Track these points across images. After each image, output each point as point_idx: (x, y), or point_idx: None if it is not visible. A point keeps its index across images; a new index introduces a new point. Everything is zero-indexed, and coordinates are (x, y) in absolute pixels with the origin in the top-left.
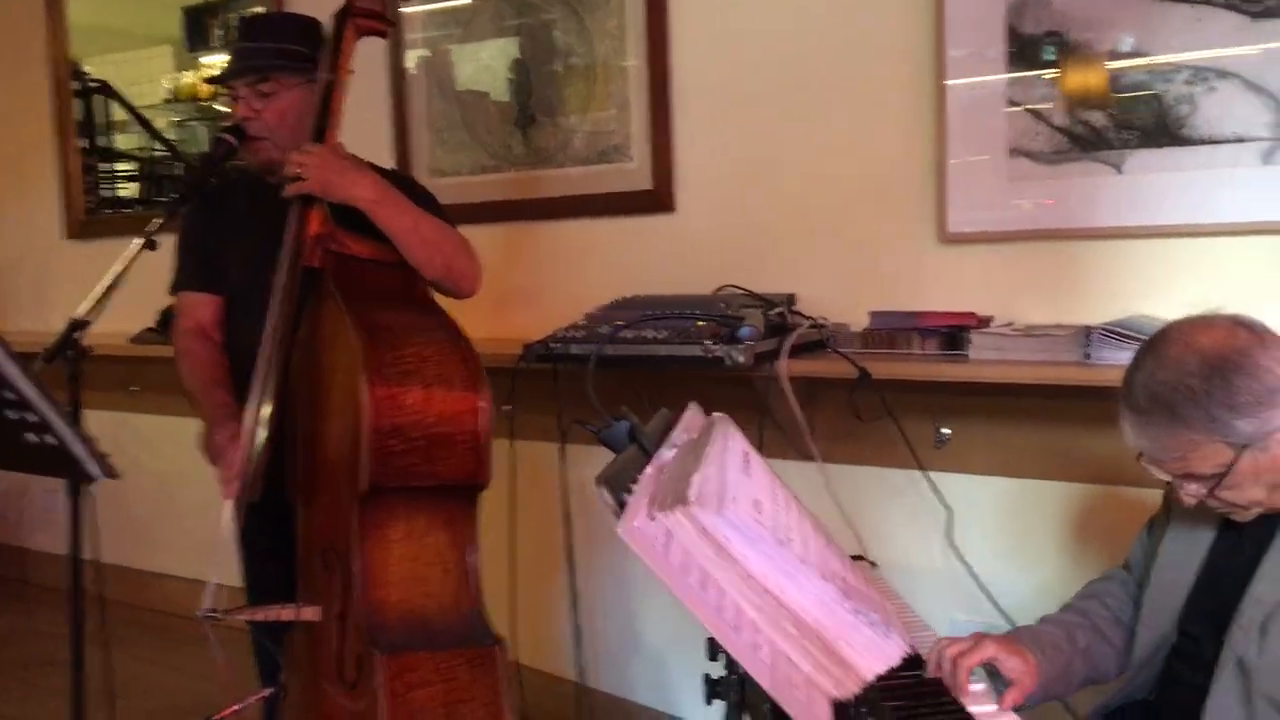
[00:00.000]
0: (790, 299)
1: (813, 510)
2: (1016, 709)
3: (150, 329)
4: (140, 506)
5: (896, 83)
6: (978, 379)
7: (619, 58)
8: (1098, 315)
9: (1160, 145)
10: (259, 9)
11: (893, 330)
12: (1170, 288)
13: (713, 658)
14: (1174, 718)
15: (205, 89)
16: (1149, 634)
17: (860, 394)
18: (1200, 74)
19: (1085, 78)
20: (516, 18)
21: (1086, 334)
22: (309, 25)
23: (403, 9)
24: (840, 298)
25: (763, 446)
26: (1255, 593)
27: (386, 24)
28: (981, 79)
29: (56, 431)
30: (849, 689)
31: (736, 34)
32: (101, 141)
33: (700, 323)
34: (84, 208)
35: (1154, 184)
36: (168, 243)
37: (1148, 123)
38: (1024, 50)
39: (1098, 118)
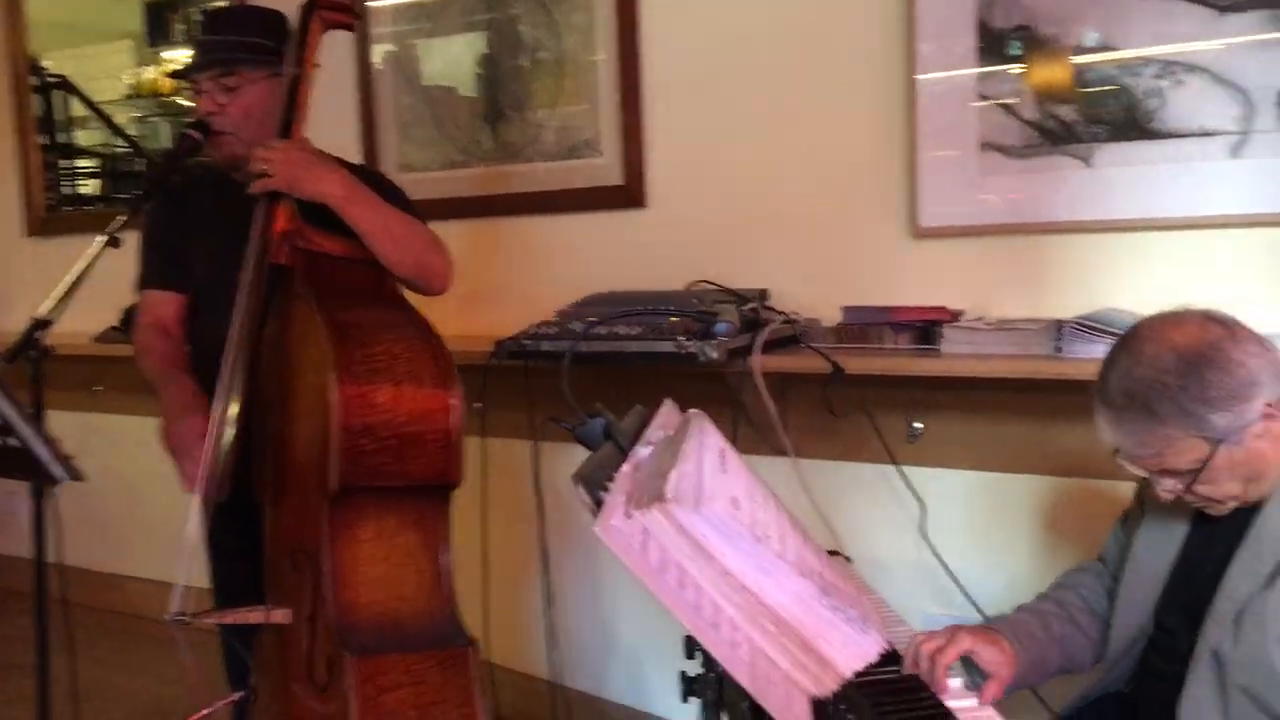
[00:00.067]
0: (763, 294)
1: (787, 505)
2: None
3: (114, 328)
4: (105, 508)
5: (867, 78)
6: (950, 373)
7: (588, 52)
8: (1069, 308)
9: (1129, 139)
10: (222, 2)
11: (865, 325)
12: (1140, 281)
13: (689, 655)
14: (1150, 709)
15: (167, 84)
16: (1125, 627)
17: (833, 389)
18: (1168, 68)
19: (1052, 72)
20: (484, 12)
21: (1058, 328)
22: (274, 18)
23: (369, 3)
24: (813, 293)
25: (736, 442)
26: (1229, 585)
27: (353, 17)
28: (952, 73)
29: (19, 433)
30: (828, 686)
31: (707, 29)
32: (62, 138)
33: (673, 319)
34: (45, 205)
35: (1123, 177)
36: (131, 240)
37: (1117, 116)
38: (994, 45)
39: (1067, 112)
